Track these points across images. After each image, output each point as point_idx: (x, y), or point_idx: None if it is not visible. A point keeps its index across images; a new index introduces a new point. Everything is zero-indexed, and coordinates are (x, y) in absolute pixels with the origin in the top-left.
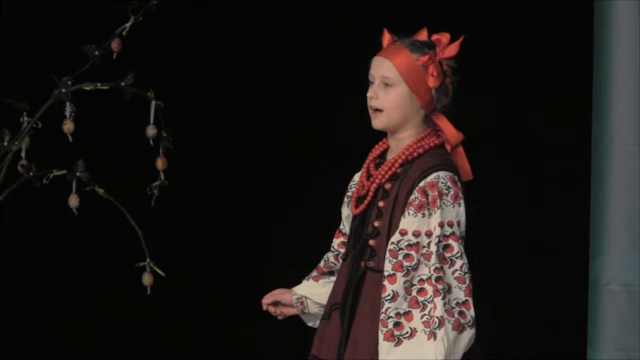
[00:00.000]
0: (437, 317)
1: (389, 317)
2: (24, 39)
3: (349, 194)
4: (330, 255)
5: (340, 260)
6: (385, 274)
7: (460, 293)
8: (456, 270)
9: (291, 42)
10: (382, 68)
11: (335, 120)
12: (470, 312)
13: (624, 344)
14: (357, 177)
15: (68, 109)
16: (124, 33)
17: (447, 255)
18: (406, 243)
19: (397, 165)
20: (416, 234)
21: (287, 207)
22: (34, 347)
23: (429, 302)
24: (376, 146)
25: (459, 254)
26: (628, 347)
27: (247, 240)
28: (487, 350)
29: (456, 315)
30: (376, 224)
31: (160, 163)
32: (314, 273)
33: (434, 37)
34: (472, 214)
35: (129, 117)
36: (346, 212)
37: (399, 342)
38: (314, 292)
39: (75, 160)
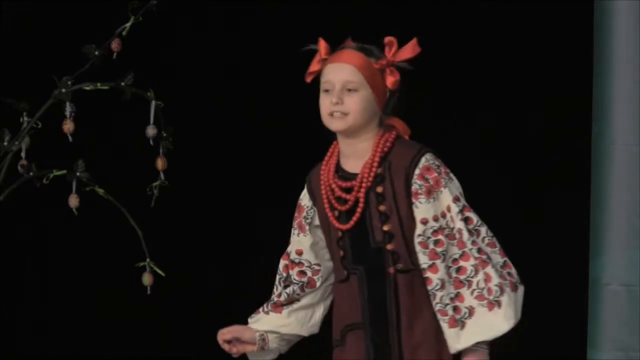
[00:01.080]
0: (496, 286)
1: (446, 305)
2: (24, 39)
3: (307, 220)
4: (295, 288)
5: (307, 290)
6: (425, 266)
7: (497, 257)
8: (484, 237)
9: (291, 42)
10: (343, 74)
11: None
12: (513, 270)
13: (624, 344)
14: (306, 201)
15: (68, 109)
16: (124, 33)
17: (470, 227)
18: (431, 230)
19: (375, 165)
20: (436, 219)
21: (287, 207)
22: (34, 347)
23: (472, 277)
24: (326, 158)
25: (479, 222)
26: (628, 347)
27: (247, 240)
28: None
29: (508, 278)
30: (385, 228)
31: (160, 163)
32: (269, 307)
33: (385, 40)
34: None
35: (129, 117)
36: (309, 239)
37: (463, 325)
38: (280, 324)
39: (75, 160)
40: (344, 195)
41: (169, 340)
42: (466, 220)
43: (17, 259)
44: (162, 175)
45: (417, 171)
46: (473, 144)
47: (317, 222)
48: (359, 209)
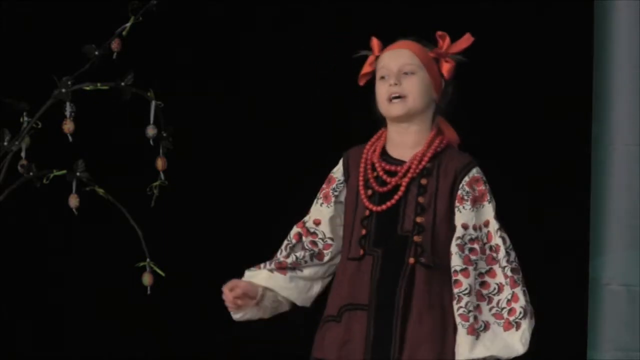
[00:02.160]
0: (521, 307)
1: (470, 311)
2: (24, 39)
3: (336, 193)
4: (305, 254)
5: (316, 260)
6: (458, 268)
7: (522, 283)
8: (512, 261)
9: (292, 41)
10: (400, 58)
11: (337, 119)
12: (529, 299)
13: (624, 344)
14: (339, 175)
15: (68, 109)
16: (124, 33)
17: (505, 246)
18: (469, 237)
19: (426, 159)
20: (475, 228)
21: (287, 206)
22: (34, 347)
23: (494, 295)
24: (372, 140)
25: (511, 246)
26: (628, 347)
27: (247, 240)
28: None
29: (529, 304)
30: (418, 219)
31: (160, 163)
32: (272, 266)
33: (438, 33)
34: None
35: (129, 117)
36: (329, 212)
37: (477, 336)
38: (282, 286)
39: (75, 160)
40: (385, 177)
41: (169, 340)
42: (502, 239)
43: (17, 259)
44: (162, 175)
45: (466, 178)
46: (473, 144)
47: (342, 198)
48: (397, 195)
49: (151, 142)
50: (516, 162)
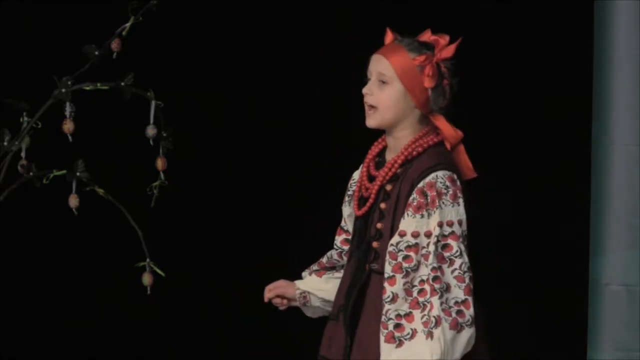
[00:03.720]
0: (434, 316)
1: (389, 319)
2: (24, 39)
3: (349, 192)
4: (333, 253)
5: (345, 258)
6: (385, 275)
7: (459, 292)
8: (455, 269)
9: (292, 41)
10: (378, 65)
11: (337, 118)
12: (470, 311)
13: (624, 344)
14: (356, 175)
15: (68, 109)
16: (124, 33)
17: (446, 254)
18: (405, 244)
19: (396, 165)
20: (415, 235)
21: (287, 206)
22: (34, 347)
23: (427, 302)
24: (375, 144)
25: (458, 253)
26: (628, 347)
27: (247, 240)
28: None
29: (454, 315)
30: (379, 225)
31: (160, 163)
32: (315, 267)
33: (433, 37)
34: (474, 215)
35: (129, 117)
36: (348, 210)
37: (400, 344)
38: (318, 288)
39: (75, 160)
40: (367, 183)
41: (169, 340)
42: (444, 246)
43: (17, 259)
44: (162, 175)
45: (420, 184)
46: (473, 144)
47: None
48: (369, 201)
49: (151, 142)
50: (516, 162)
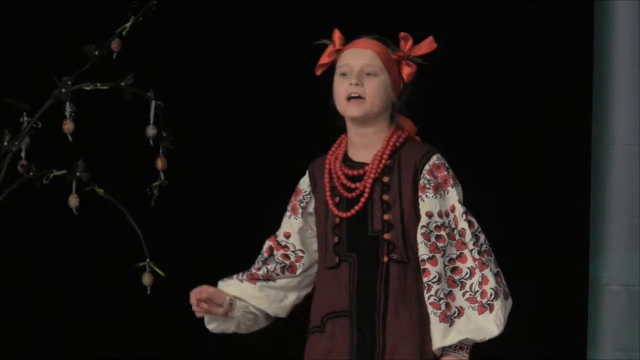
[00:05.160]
0: (492, 289)
1: (440, 299)
2: (24, 39)
3: (302, 204)
4: (276, 267)
5: (286, 273)
6: (425, 257)
7: (492, 265)
8: (482, 244)
9: (291, 41)
10: (363, 58)
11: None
12: (504, 281)
13: (624, 344)
14: (305, 186)
15: (68, 109)
16: (124, 33)
17: (472, 230)
18: (434, 224)
19: (385, 157)
20: (440, 215)
21: (287, 206)
22: (34, 347)
23: (466, 279)
24: (333, 148)
25: (479, 229)
26: (628, 347)
27: (247, 240)
28: (488, 350)
29: (502, 285)
30: (386, 217)
31: (160, 163)
32: (243, 277)
33: (401, 35)
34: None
35: (129, 117)
36: (299, 223)
37: (451, 323)
38: (251, 294)
39: (75, 160)
40: (349, 183)
41: (169, 340)
42: (469, 223)
43: (17, 259)
44: (162, 175)
45: (427, 167)
46: (473, 144)
47: (311, 209)
48: (363, 198)
49: (151, 142)
50: (516, 162)
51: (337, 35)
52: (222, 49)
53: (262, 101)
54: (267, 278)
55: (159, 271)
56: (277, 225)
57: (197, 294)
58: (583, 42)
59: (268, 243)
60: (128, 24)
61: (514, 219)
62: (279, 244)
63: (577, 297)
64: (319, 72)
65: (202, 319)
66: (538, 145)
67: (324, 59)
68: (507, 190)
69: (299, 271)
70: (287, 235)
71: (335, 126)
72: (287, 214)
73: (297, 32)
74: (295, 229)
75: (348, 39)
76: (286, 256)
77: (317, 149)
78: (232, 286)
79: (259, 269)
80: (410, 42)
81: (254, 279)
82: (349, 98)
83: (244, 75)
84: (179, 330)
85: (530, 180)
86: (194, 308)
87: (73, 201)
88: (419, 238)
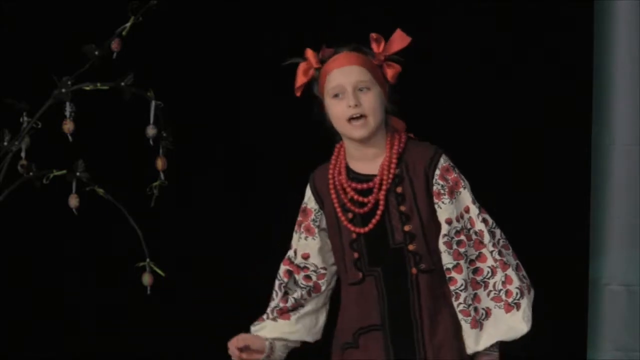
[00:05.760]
0: (517, 288)
1: (469, 305)
2: (24, 39)
3: (316, 223)
4: (302, 293)
5: (312, 295)
6: (450, 266)
7: (511, 259)
8: (499, 239)
9: (292, 41)
10: (353, 75)
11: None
12: (524, 273)
13: (624, 344)
14: (313, 204)
15: (68, 109)
16: (124, 33)
17: (488, 228)
18: (454, 230)
19: (393, 166)
20: (457, 219)
21: (287, 206)
22: (35, 347)
23: (488, 279)
24: (333, 161)
25: (494, 224)
26: (628, 347)
27: (248, 240)
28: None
29: (525, 280)
30: (407, 228)
31: (160, 163)
32: (275, 314)
33: (372, 36)
34: None
35: (129, 117)
36: (317, 243)
37: (481, 327)
38: (288, 331)
39: (75, 160)
40: (360, 198)
41: (169, 340)
42: (484, 221)
43: (17, 259)
44: (162, 175)
45: (437, 172)
46: (473, 144)
47: (323, 225)
48: (379, 211)
49: (151, 142)
50: (516, 162)
51: (310, 53)
52: (222, 49)
53: (262, 101)
54: (297, 307)
55: (159, 271)
56: (278, 225)
57: (237, 344)
58: (583, 42)
59: (284, 267)
60: (128, 24)
61: (514, 219)
62: (298, 266)
63: (577, 297)
64: (299, 94)
65: (202, 319)
66: (538, 145)
67: (302, 79)
68: (507, 190)
69: (323, 288)
70: (306, 257)
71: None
72: (302, 235)
73: (297, 32)
74: (314, 250)
75: (328, 44)
76: (308, 277)
77: (317, 149)
78: (267, 328)
79: (286, 300)
80: (382, 43)
81: (284, 312)
82: (350, 119)
83: (244, 75)
84: (179, 330)
85: (530, 180)
86: (235, 357)
87: (73, 201)
88: (442, 247)
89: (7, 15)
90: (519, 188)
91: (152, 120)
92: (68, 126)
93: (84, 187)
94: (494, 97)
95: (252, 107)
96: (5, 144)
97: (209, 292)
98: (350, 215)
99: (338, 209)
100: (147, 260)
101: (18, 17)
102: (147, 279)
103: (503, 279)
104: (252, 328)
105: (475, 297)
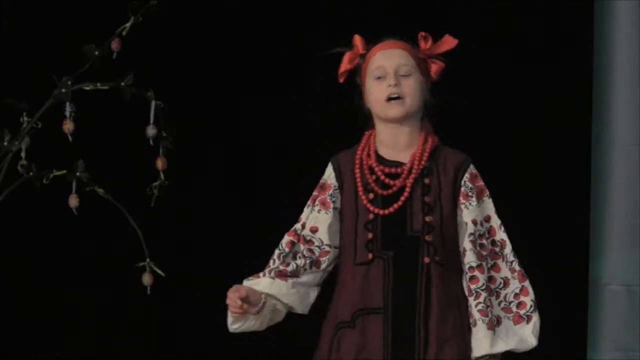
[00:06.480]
0: (531, 301)
1: (487, 306)
2: (24, 39)
3: (333, 199)
4: (305, 262)
5: (312, 269)
6: (474, 264)
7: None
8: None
9: (292, 41)
10: (396, 59)
11: (337, 116)
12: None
13: (624, 344)
14: (333, 181)
15: (68, 109)
16: (124, 33)
17: (509, 241)
18: (479, 232)
19: (425, 157)
20: (481, 223)
21: (288, 206)
22: (35, 347)
23: (500, 289)
24: (362, 144)
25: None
26: (628, 347)
27: (248, 240)
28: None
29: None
30: (427, 219)
31: (160, 163)
32: (272, 274)
33: (421, 34)
34: None
35: (129, 117)
36: (329, 218)
37: (494, 331)
38: (284, 292)
39: (75, 160)
40: (387, 180)
41: (169, 341)
42: (505, 233)
43: (17, 259)
44: (162, 175)
45: (467, 175)
46: (473, 144)
47: (338, 204)
48: (403, 197)
49: (151, 142)
50: (516, 162)
51: (358, 39)
52: (222, 49)
53: (262, 101)
54: (295, 274)
55: (159, 271)
56: (278, 226)
57: (239, 294)
58: (583, 42)
59: (288, 238)
60: (128, 24)
61: (514, 219)
62: (304, 238)
63: (577, 297)
64: (342, 80)
65: (202, 319)
66: (538, 145)
67: (346, 66)
68: (507, 190)
69: (323, 266)
70: (314, 230)
71: (334, 126)
72: (316, 208)
73: (297, 32)
74: (325, 224)
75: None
76: (311, 251)
77: (317, 149)
78: (264, 284)
79: (286, 264)
80: (430, 41)
81: (283, 275)
82: (389, 99)
83: (244, 75)
84: (179, 330)
85: (530, 180)
86: (234, 309)
87: (73, 201)
88: (468, 245)
89: (7, 16)
90: (519, 188)
91: (152, 120)
92: (68, 126)
93: (84, 187)
94: (494, 97)
95: (252, 107)
96: (5, 144)
97: (209, 292)
98: (371, 195)
99: (360, 188)
100: (147, 260)
101: (18, 17)
102: (147, 279)
103: (518, 290)
104: (246, 282)
105: (490, 302)
